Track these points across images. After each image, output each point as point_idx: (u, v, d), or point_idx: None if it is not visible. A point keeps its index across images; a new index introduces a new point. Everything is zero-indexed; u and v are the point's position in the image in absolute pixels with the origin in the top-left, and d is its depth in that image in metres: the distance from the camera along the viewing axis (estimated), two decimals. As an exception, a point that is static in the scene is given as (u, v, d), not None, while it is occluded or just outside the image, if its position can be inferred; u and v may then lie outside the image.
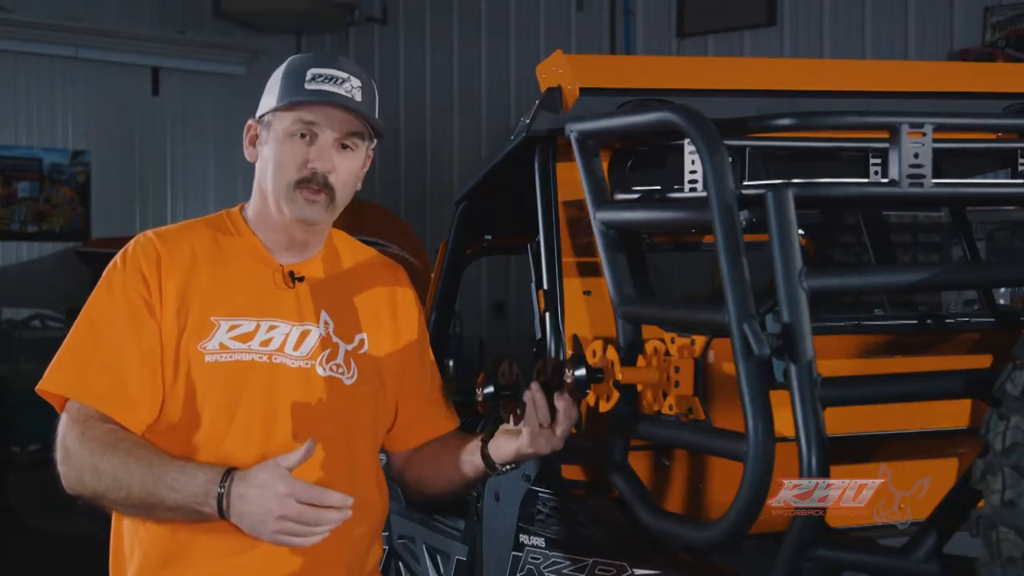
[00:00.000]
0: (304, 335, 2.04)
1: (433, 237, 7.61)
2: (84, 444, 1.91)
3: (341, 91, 2.00)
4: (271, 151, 2.02)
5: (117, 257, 2.02)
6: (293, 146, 2.00)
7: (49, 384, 1.97)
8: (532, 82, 2.44)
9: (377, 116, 2.09)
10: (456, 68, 9.95)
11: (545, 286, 2.39)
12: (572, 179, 2.28)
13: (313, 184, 1.99)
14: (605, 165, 2.26)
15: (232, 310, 2.00)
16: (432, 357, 2.29)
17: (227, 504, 1.83)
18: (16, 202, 10.38)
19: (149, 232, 2.06)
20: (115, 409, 1.94)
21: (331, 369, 2.05)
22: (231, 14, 10.44)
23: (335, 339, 2.07)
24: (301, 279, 2.07)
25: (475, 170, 2.97)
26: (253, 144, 2.08)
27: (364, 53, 10.53)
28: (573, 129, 2.22)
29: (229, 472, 1.86)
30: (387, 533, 3.19)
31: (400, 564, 3.14)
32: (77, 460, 1.91)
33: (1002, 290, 5.13)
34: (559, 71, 2.33)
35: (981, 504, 1.63)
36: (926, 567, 1.78)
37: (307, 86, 2.00)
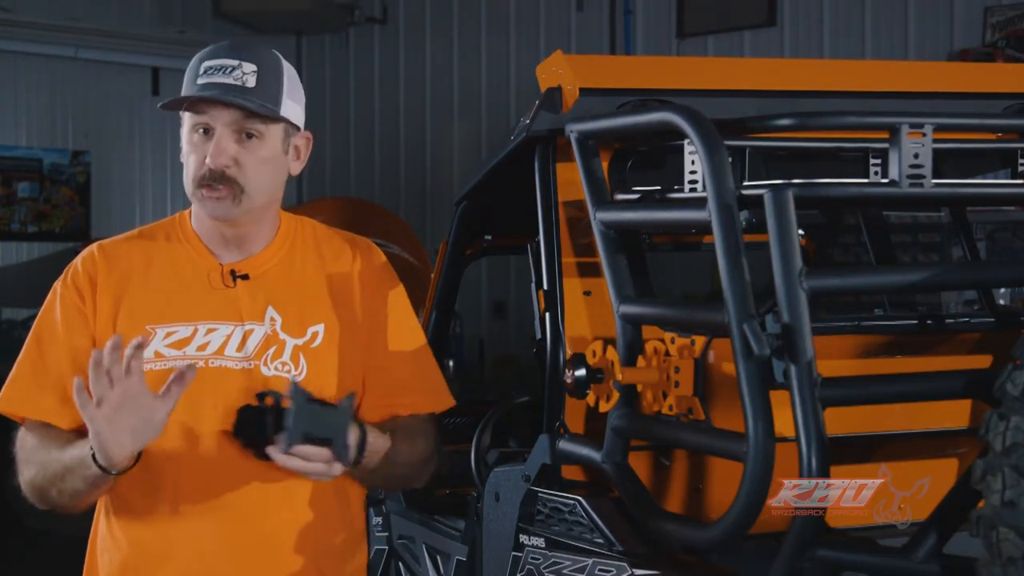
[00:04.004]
0: (247, 335, 2.00)
1: (433, 237, 7.61)
2: (24, 447, 1.98)
3: (230, 80, 1.95)
4: (183, 151, 2.03)
5: (60, 277, 2.05)
6: (194, 145, 1.99)
7: (5, 406, 2.02)
8: (532, 82, 2.44)
9: (285, 97, 2.00)
10: (456, 68, 9.95)
11: (545, 286, 2.38)
12: (572, 179, 2.28)
13: (212, 182, 1.96)
14: (605, 165, 2.26)
15: (168, 317, 1.99)
16: (418, 335, 2.17)
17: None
18: (16, 202, 10.37)
19: (94, 245, 2.08)
20: (65, 424, 1.97)
21: (276, 368, 2.00)
22: (231, 14, 10.43)
23: (282, 335, 2.03)
24: (245, 276, 2.03)
25: (475, 170, 2.97)
26: None
27: (364, 53, 10.53)
28: (573, 129, 2.22)
29: None
30: (387, 533, 3.19)
31: (400, 564, 3.14)
32: (20, 462, 1.98)
33: (1002, 290, 5.13)
34: (559, 71, 2.33)
35: (981, 504, 1.63)
36: (926, 567, 1.78)
37: (198, 80, 1.97)
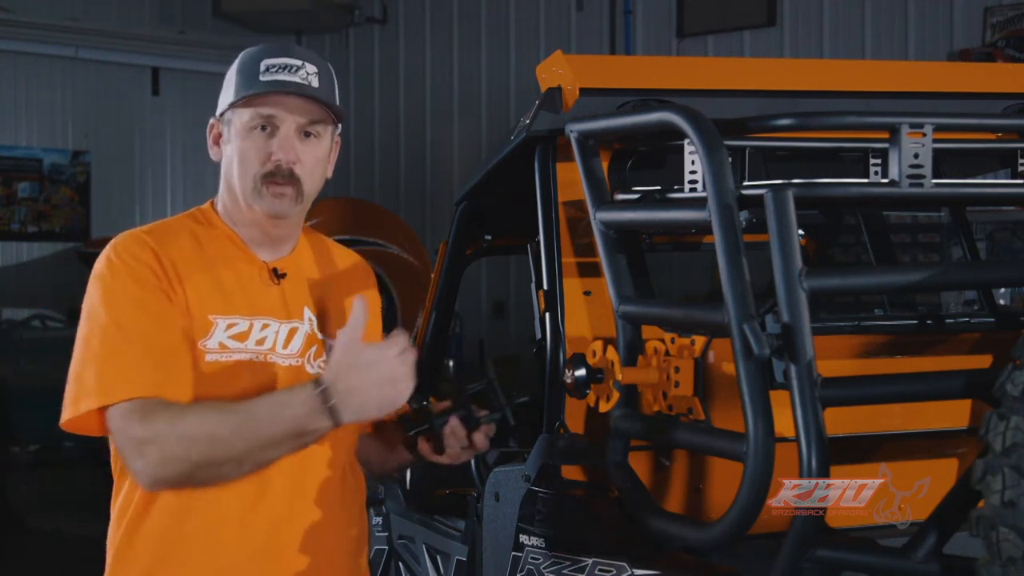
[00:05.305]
0: (292, 332, 2.02)
1: (433, 237, 7.61)
2: (157, 423, 1.82)
3: (297, 79, 1.97)
4: (234, 148, 2.00)
5: (106, 258, 1.94)
6: (255, 140, 1.97)
7: (107, 397, 1.84)
8: (532, 82, 2.44)
9: (337, 100, 2.05)
10: (456, 68, 9.95)
11: (545, 286, 2.38)
12: (572, 179, 2.28)
13: (278, 177, 1.96)
14: (605, 165, 2.26)
15: (227, 308, 1.97)
16: None
17: (341, 407, 1.82)
18: (16, 202, 10.39)
19: (131, 231, 2.00)
20: (178, 395, 1.88)
21: (319, 367, 2.03)
22: (231, 14, 10.44)
23: (319, 335, 2.06)
24: (283, 275, 2.05)
25: (475, 170, 2.97)
26: (217, 143, 2.06)
27: (364, 53, 10.54)
28: (573, 129, 2.22)
29: (318, 383, 1.83)
30: (387, 533, 3.19)
31: (400, 564, 3.14)
32: (154, 442, 1.81)
33: (1002, 290, 5.14)
34: (559, 71, 2.33)
35: (981, 504, 1.63)
36: (926, 567, 1.78)
37: (262, 78, 1.97)
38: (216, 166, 2.07)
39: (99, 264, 1.95)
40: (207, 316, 1.95)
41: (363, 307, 1.88)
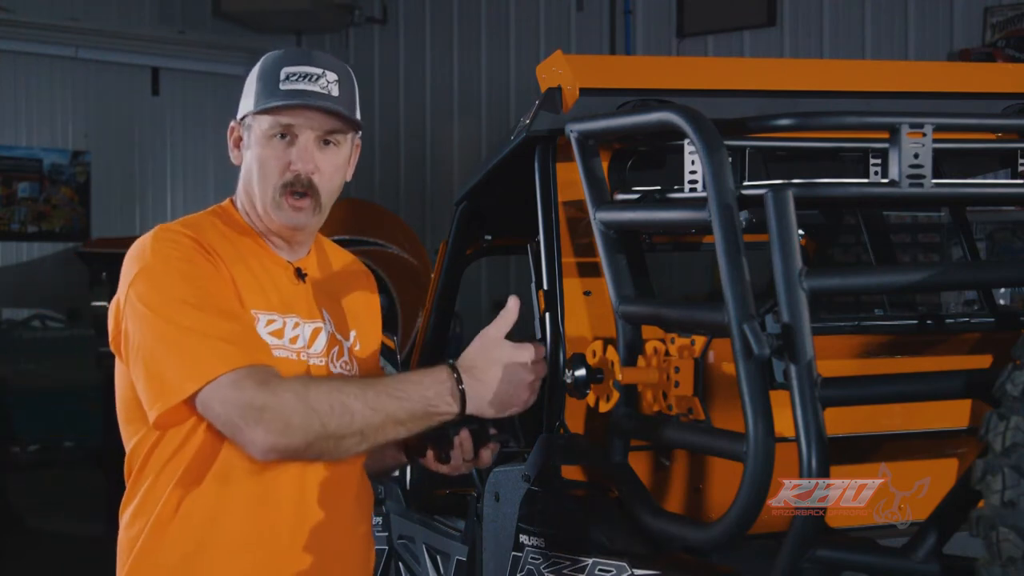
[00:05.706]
0: (316, 332, 2.04)
1: (433, 237, 7.62)
2: (280, 390, 1.81)
3: (316, 88, 1.98)
4: (253, 154, 2.01)
5: (151, 250, 1.91)
6: (274, 149, 1.98)
7: (213, 370, 1.80)
8: (532, 83, 2.44)
9: (357, 105, 2.06)
10: (456, 68, 9.95)
11: (545, 286, 2.38)
12: (572, 179, 2.28)
13: (297, 187, 1.98)
14: (605, 165, 2.26)
15: (265, 304, 1.98)
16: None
17: (468, 394, 1.89)
18: (16, 202, 10.39)
19: (163, 225, 1.99)
20: (267, 360, 1.88)
21: (342, 366, 2.07)
22: (231, 14, 10.44)
23: (338, 336, 2.09)
24: (306, 275, 2.08)
25: (475, 170, 2.97)
26: (237, 146, 2.07)
27: (364, 53, 10.54)
28: (573, 129, 2.22)
29: (452, 367, 1.89)
30: (387, 533, 3.19)
31: (400, 564, 3.14)
32: (277, 409, 1.79)
33: (1002, 290, 5.14)
34: (559, 71, 2.33)
35: (981, 504, 1.63)
36: (926, 567, 1.78)
37: (282, 86, 1.97)
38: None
39: (141, 259, 1.92)
40: (250, 309, 1.96)
41: (516, 305, 1.95)
